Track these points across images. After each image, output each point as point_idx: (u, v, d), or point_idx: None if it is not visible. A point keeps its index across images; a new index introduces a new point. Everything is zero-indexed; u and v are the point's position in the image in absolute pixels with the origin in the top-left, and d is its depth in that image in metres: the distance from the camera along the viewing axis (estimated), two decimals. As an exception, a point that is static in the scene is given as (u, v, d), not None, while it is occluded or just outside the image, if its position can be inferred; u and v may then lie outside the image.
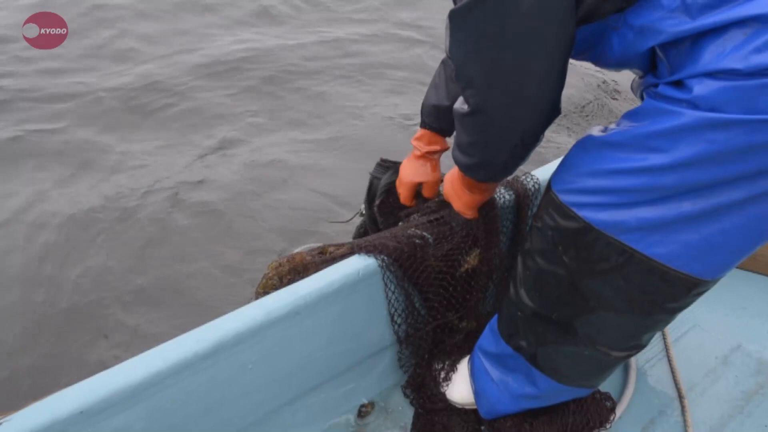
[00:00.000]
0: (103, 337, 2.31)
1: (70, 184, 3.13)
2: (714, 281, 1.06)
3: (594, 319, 1.15)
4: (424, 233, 1.45)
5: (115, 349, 2.24)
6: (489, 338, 1.38)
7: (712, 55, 0.87)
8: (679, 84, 0.92)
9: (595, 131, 1.07)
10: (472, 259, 1.51)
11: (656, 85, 0.97)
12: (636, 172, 0.98)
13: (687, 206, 0.96)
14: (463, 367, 1.52)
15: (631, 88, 1.13)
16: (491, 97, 1.01)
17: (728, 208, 0.95)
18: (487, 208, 1.47)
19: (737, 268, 1.98)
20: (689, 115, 0.90)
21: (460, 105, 1.08)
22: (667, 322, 1.17)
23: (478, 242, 1.50)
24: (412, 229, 1.46)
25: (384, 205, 1.70)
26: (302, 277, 1.37)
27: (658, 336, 1.75)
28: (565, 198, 1.09)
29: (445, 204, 1.50)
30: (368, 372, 1.54)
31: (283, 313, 1.27)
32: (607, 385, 1.52)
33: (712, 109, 0.88)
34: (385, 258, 1.40)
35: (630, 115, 1.02)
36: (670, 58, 0.93)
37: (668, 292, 1.06)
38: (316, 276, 1.35)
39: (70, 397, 1.04)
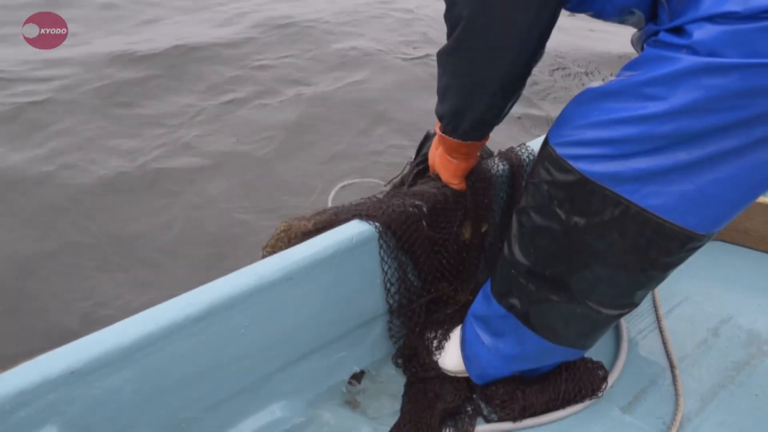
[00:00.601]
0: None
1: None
2: (707, 236, 1.06)
3: (588, 274, 1.15)
4: (419, 202, 1.44)
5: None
6: (480, 302, 1.38)
7: None
8: (679, 30, 0.91)
9: (594, 83, 1.06)
10: (465, 232, 1.51)
11: (656, 33, 0.96)
12: (633, 121, 0.97)
13: (683, 155, 0.96)
14: (456, 335, 1.51)
15: (632, 43, 1.12)
16: (476, 33, 1.01)
17: (723, 156, 0.95)
18: (474, 178, 1.47)
19: (729, 242, 2.01)
20: (687, 60, 0.89)
21: (444, 47, 1.09)
22: (659, 279, 1.17)
23: (468, 215, 1.50)
24: (408, 198, 1.45)
25: (420, 172, 1.67)
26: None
27: (650, 307, 1.76)
28: (561, 151, 1.08)
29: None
30: (361, 340, 1.54)
31: (275, 278, 1.26)
32: (600, 354, 1.53)
33: (710, 54, 0.87)
34: (379, 225, 1.39)
35: (629, 66, 1.01)
36: (672, 2, 0.92)
37: (662, 245, 1.06)
38: (309, 242, 1.34)
39: (61, 357, 1.03)
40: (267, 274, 1.25)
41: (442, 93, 1.18)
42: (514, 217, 1.24)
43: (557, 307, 1.22)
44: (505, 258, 1.27)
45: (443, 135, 1.29)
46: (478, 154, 1.44)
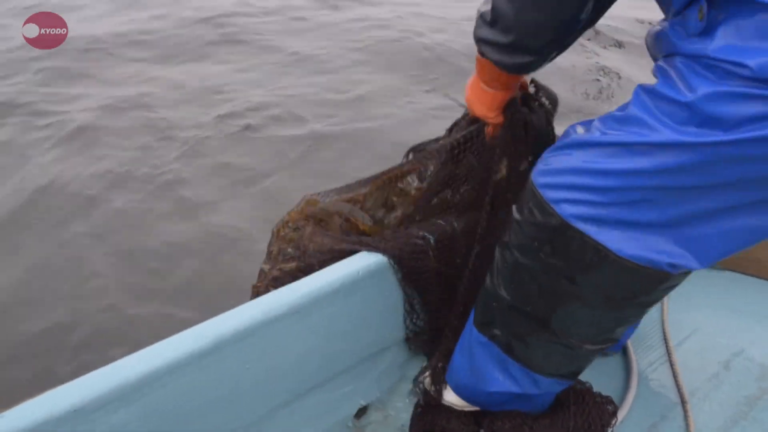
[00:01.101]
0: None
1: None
2: (686, 273, 1.07)
3: (568, 313, 1.16)
4: (426, 234, 1.44)
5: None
6: (466, 330, 1.37)
7: (746, 37, 0.84)
8: (681, 78, 0.91)
9: (579, 128, 1.08)
10: (502, 168, 1.41)
11: (671, 56, 0.94)
12: (617, 174, 0.98)
13: (663, 211, 0.98)
14: None
15: (645, 42, 1.10)
16: None
17: (702, 216, 0.97)
18: (512, 110, 1.35)
19: (739, 272, 1.99)
20: (671, 137, 0.91)
21: None
22: (638, 316, 1.20)
23: (506, 151, 1.39)
24: (415, 229, 1.45)
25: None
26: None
27: (659, 339, 1.74)
28: (545, 193, 1.08)
29: (475, 120, 1.41)
30: (367, 373, 1.53)
31: (282, 312, 1.25)
32: (609, 388, 1.51)
33: (704, 123, 0.88)
34: (386, 257, 1.38)
35: (616, 119, 1.02)
36: (711, 15, 0.89)
37: (640, 287, 1.08)
38: (316, 275, 1.34)
39: (65, 395, 1.03)
40: (274, 307, 1.25)
41: (502, 22, 1.09)
42: (497, 251, 1.24)
43: (539, 341, 1.22)
44: (488, 289, 1.27)
45: (483, 60, 1.20)
46: (518, 84, 1.35)
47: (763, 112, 0.84)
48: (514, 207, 1.20)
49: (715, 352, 1.72)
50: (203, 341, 1.16)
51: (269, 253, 1.57)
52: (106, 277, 2.58)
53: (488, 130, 1.40)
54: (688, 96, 0.89)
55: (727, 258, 1.95)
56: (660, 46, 1.02)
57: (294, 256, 1.49)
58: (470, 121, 1.43)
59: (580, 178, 1.03)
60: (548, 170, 1.09)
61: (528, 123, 1.38)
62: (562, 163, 1.07)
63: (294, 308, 1.27)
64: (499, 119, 1.36)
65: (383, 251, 1.38)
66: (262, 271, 1.56)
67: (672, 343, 1.72)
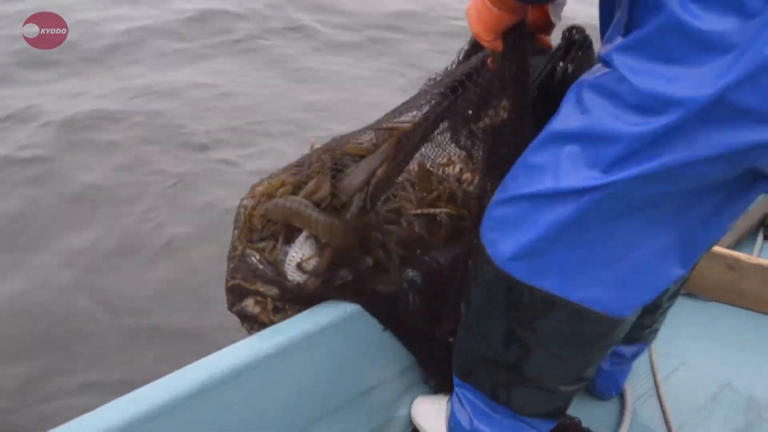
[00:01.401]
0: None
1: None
2: (635, 316, 1.09)
3: (535, 360, 1.16)
4: (412, 273, 1.44)
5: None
6: (454, 378, 1.38)
7: (650, 57, 0.84)
8: (579, 107, 0.94)
9: (510, 179, 1.10)
10: (502, 111, 1.21)
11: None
12: (543, 225, 1.01)
13: (599, 248, 1.00)
14: (442, 405, 1.49)
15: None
16: None
17: (635, 244, 0.99)
18: (514, 37, 1.13)
19: (725, 303, 2.00)
20: (576, 183, 0.94)
21: None
22: (602, 357, 1.20)
23: (506, 89, 1.19)
24: (407, 270, 1.44)
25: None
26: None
27: (648, 373, 1.74)
28: (489, 248, 1.11)
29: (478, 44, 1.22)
30: (355, 413, 1.51)
31: (269, 353, 1.24)
32: (599, 424, 1.51)
33: (609, 165, 0.90)
34: (369, 303, 1.38)
35: (528, 169, 1.04)
36: (632, 23, 0.89)
37: (595, 331, 1.09)
38: (301, 315, 1.33)
39: None
40: (261, 348, 1.24)
41: None
42: (462, 306, 1.26)
43: (516, 386, 1.23)
44: (460, 341, 1.29)
45: None
46: (527, 12, 1.14)
47: (646, 158, 0.86)
48: (470, 262, 1.22)
49: (703, 385, 1.73)
50: (189, 384, 1.14)
51: (233, 247, 1.44)
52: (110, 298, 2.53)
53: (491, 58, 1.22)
54: (581, 126, 0.93)
55: (712, 290, 2.00)
56: (605, 40, 1.01)
57: (266, 279, 1.38)
58: (473, 44, 1.26)
59: (514, 231, 1.06)
60: (491, 225, 1.12)
61: (526, 59, 1.17)
62: (500, 217, 1.10)
63: (281, 349, 1.26)
64: (497, 45, 1.14)
65: (366, 300, 1.37)
66: (228, 268, 1.45)
67: (660, 376, 1.72)
